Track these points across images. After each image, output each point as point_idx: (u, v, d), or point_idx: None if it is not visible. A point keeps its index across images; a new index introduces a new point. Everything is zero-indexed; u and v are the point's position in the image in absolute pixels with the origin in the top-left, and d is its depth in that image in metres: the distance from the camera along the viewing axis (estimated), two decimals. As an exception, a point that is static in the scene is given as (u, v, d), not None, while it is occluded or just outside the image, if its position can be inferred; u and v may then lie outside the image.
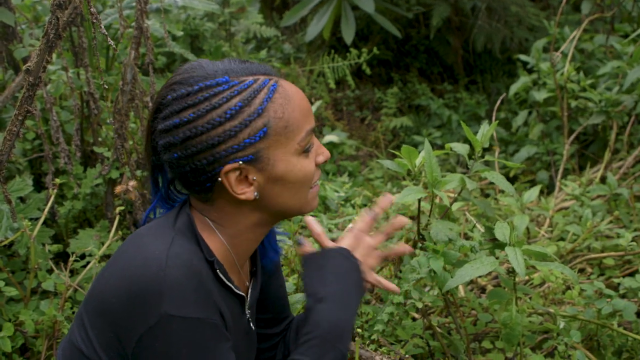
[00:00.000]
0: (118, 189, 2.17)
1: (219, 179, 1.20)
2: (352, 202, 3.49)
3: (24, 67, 1.47)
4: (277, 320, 1.62)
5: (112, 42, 1.50)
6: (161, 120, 1.22)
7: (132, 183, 2.13)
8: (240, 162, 1.19)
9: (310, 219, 1.53)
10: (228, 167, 1.19)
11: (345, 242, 1.49)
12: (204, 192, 1.25)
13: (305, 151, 1.26)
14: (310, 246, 1.48)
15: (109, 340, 1.17)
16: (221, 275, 1.23)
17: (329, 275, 1.37)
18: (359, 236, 1.51)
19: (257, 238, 1.34)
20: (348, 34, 5.07)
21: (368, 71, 5.14)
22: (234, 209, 1.26)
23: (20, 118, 1.51)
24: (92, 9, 1.44)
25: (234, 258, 1.31)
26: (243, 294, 1.33)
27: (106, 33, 1.47)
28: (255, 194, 1.23)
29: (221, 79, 1.19)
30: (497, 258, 1.83)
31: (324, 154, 1.32)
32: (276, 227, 1.55)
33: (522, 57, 4.32)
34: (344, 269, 1.40)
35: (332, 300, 1.32)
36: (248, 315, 1.39)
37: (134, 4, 2.64)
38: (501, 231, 1.83)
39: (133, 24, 2.38)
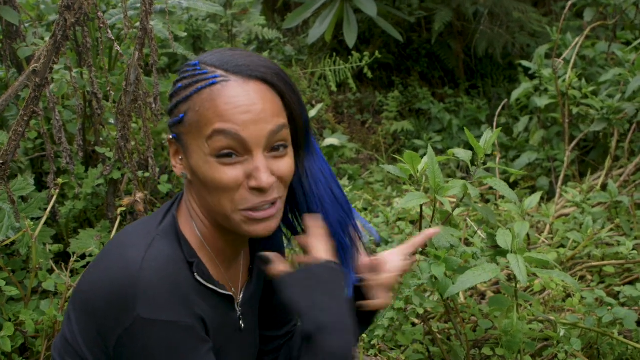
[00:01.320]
0: (125, 201, 2.16)
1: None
2: (353, 206, 3.49)
3: (30, 68, 1.47)
4: (280, 323, 1.61)
5: (118, 47, 1.50)
6: None
7: (140, 195, 2.12)
8: (170, 137, 1.27)
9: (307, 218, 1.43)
10: (168, 137, 1.28)
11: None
12: None
13: (220, 156, 1.18)
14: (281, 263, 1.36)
15: (92, 337, 1.19)
16: (199, 278, 1.23)
17: (322, 297, 1.28)
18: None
19: (227, 238, 1.31)
20: (350, 37, 5.07)
21: (370, 75, 5.14)
22: (187, 188, 1.30)
23: (25, 119, 1.51)
24: (99, 13, 1.44)
25: (212, 255, 1.31)
26: (229, 293, 1.32)
27: (113, 38, 1.47)
28: (183, 173, 1.26)
29: (192, 62, 1.25)
30: (498, 264, 1.83)
31: (256, 179, 1.19)
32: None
33: (524, 62, 4.33)
34: (335, 285, 1.31)
35: (334, 329, 1.25)
36: (239, 313, 1.38)
37: (138, 4, 2.65)
38: (503, 238, 1.84)
39: (137, 24, 2.38)
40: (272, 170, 1.22)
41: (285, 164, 1.25)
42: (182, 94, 1.23)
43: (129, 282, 1.13)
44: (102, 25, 1.53)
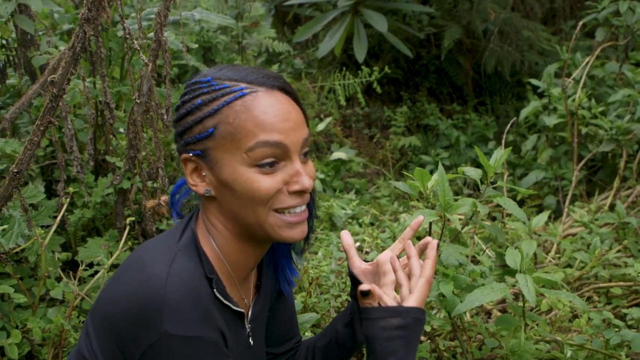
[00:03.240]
0: (150, 203, 2.17)
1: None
2: (360, 220, 3.49)
3: (45, 77, 1.49)
4: (283, 340, 1.61)
5: (144, 57, 1.51)
6: None
7: (164, 198, 2.13)
8: (191, 155, 1.26)
9: (343, 232, 1.48)
10: (184, 155, 1.27)
11: (413, 297, 1.32)
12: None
13: (259, 166, 1.21)
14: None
15: (112, 353, 1.20)
16: (218, 295, 1.24)
17: (404, 348, 1.27)
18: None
19: (248, 253, 1.33)
20: (360, 52, 5.09)
21: (378, 89, 5.16)
22: (207, 205, 1.30)
23: (42, 128, 1.52)
24: (125, 24, 1.46)
25: (229, 270, 1.32)
26: (242, 310, 1.33)
27: (139, 48, 1.49)
28: (206, 190, 1.26)
29: (204, 79, 1.26)
30: (505, 283, 1.83)
31: (299, 183, 1.24)
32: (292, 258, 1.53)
33: (533, 81, 4.34)
34: (417, 337, 1.30)
35: None
36: (248, 330, 1.39)
37: (152, 16, 2.67)
38: (512, 257, 1.83)
39: (150, 35, 2.39)
40: (306, 174, 1.27)
41: (312, 168, 1.31)
42: (205, 109, 1.23)
43: (154, 298, 1.13)
44: (127, 37, 1.54)
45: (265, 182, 1.22)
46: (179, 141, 1.29)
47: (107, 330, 1.20)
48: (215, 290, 1.24)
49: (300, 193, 1.25)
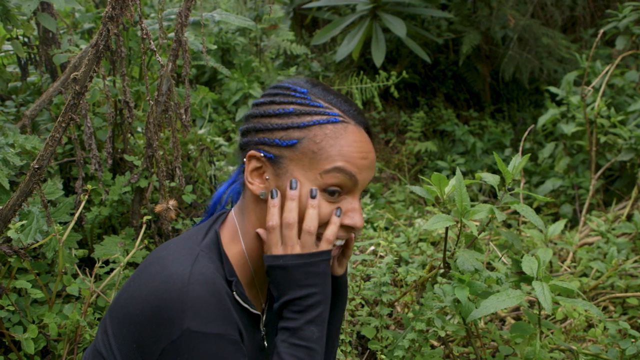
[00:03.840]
0: (158, 207, 2.18)
1: (245, 159, 1.29)
2: (375, 224, 3.49)
3: (71, 76, 1.50)
4: None
5: (159, 58, 1.52)
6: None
7: (173, 202, 2.14)
8: (262, 155, 1.27)
9: None
10: (252, 152, 1.28)
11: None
12: (241, 173, 1.34)
13: (327, 191, 1.25)
14: None
15: (130, 351, 1.20)
16: (237, 297, 1.26)
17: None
18: None
19: None
20: (378, 57, 5.09)
21: (396, 94, 5.16)
22: (252, 205, 1.31)
23: (63, 125, 1.53)
24: (142, 24, 1.47)
25: (252, 272, 1.33)
26: (259, 312, 1.34)
27: (155, 49, 1.50)
28: (262, 192, 1.28)
29: (300, 89, 1.29)
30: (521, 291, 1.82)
31: (352, 218, 1.27)
32: None
33: (552, 89, 4.32)
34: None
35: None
36: (263, 333, 1.40)
37: (172, 16, 2.68)
38: (528, 265, 1.82)
39: (170, 35, 2.41)
40: None
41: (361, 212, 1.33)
42: (295, 119, 1.26)
43: (177, 296, 1.14)
44: (145, 37, 1.56)
45: (326, 208, 1.26)
46: (250, 135, 1.30)
47: (126, 329, 1.21)
48: (234, 292, 1.25)
49: (349, 228, 1.29)
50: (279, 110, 1.27)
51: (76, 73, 1.47)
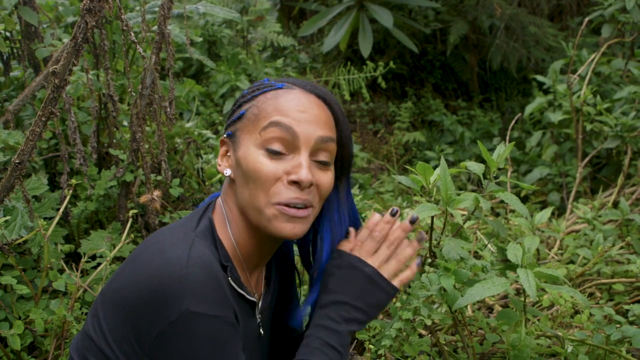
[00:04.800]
0: (143, 198, 2.17)
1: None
2: (363, 215, 3.49)
3: (50, 69, 1.49)
4: (287, 331, 1.62)
5: (141, 50, 1.52)
6: None
7: (157, 193, 2.14)
8: (224, 136, 1.36)
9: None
10: (223, 137, 1.37)
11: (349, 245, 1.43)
12: None
13: (267, 149, 1.26)
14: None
15: (124, 334, 1.21)
16: (232, 283, 1.27)
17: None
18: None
19: (259, 246, 1.36)
20: (365, 47, 5.08)
21: (383, 85, 5.15)
22: (228, 190, 1.36)
23: (43, 119, 1.53)
24: (122, 17, 1.46)
25: (241, 259, 1.35)
26: (254, 299, 1.35)
27: (136, 41, 1.49)
28: (227, 171, 1.33)
29: (266, 80, 1.37)
30: (507, 279, 1.82)
31: (297, 174, 1.26)
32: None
33: (539, 77, 4.32)
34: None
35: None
36: (259, 320, 1.41)
37: (156, 9, 2.66)
38: (513, 252, 1.83)
39: (154, 28, 2.39)
40: (313, 175, 1.29)
41: (327, 177, 1.32)
42: (246, 96, 1.34)
43: (176, 279, 1.15)
44: (125, 28, 1.55)
45: (268, 165, 1.26)
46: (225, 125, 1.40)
47: (120, 311, 1.21)
48: (230, 278, 1.27)
49: (297, 186, 1.26)
50: (239, 96, 1.38)
51: (55, 66, 1.46)
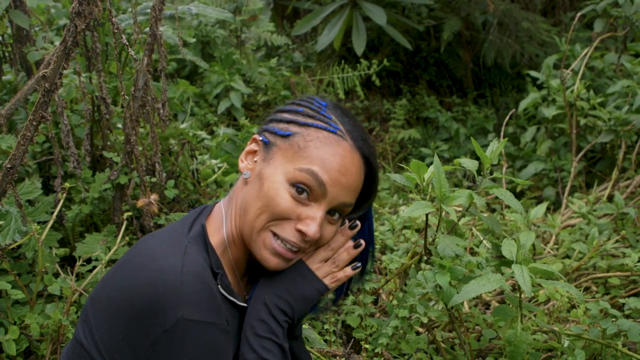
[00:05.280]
0: (140, 202, 2.17)
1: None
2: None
3: (40, 73, 1.48)
4: None
5: (132, 52, 1.51)
6: None
7: (154, 196, 2.14)
8: (260, 138, 1.35)
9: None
10: (255, 135, 1.37)
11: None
12: None
13: (294, 186, 1.27)
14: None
15: (116, 342, 1.20)
16: (222, 290, 1.28)
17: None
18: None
19: (245, 255, 1.38)
20: (359, 45, 5.08)
21: (378, 82, 5.15)
22: (239, 186, 1.37)
23: (34, 123, 1.52)
24: (113, 19, 1.46)
25: (232, 262, 1.36)
26: (245, 305, 1.36)
27: (127, 43, 1.49)
28: (247, 173, 1.34)
29: (323, 102, 1.37)
30: (502, 274, 1.83)
31: (308, 226, 1.28)
32: None
33: (532, 73, 4.33)
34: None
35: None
36: None
37: (148, 10, 2.66)
38: (508, 248, 1.83)
39: (146, 29, 2.39)
40: (320, 229, 1.31)
41: (331, 231, 1.36)
42: (299, 118, 1.32)
43: (171, 288, 1.16)
44: (116, 31, 1.55)
45: (287, 202, 1.28)
46: (265, 124, 1.39)
47: (112, 318, 1.21)
48: (220, 285, 1.27)
49: (302, 235, 1.29)
50: (293, 107, 1.36)
51: (45, 70, 1.45)
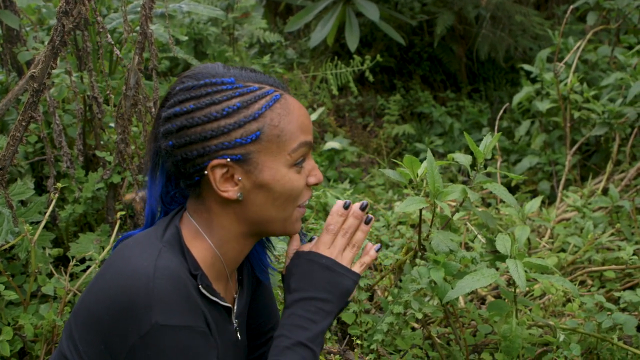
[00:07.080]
0: (127, 196, 2.16)
1: (206, 172, 1.23)
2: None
3: (28, 73, 1.47)
4: (265, 329, 1.61)
5: (117, 51, 1.50)
6: (166, 108, 1.28)
7: (141, 194, 2.13)
8: (228, 160, 1.22)
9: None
10: (215, 162, 1.22)
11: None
12: (193, 187, 1.28)
13: (296, 164, 1.27)
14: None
15: (99, 352, 1.19)
16: (204, 291, 1.24)
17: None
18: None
19: (243, 249, 1.35)
20: (352, 41, 5.07)
21: (371, 78, 5.14)
22: (221, 209, 1.28)
23: (24, 124, 1.51)
24: (98, 18, 1.45)
25: (224, 265, 1.32)
26: (229, 304, 1.33)
27: (112, 42, 1.48)
28: (239, 194, 1.25)
29: (227, 79, 1.24)
30: (497, 269, 1.83)
31: (316, 176, 1.32)
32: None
33: (526, 66, 4.32)
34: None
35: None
36: (235, 325, 1.40)
37: (138, 8, 2.65)
38: (502, 243, 1.83)
39: (137, 28, 2.38)
40: None
41: None
42: (246, 112, 1.22)
43: (143, 291, 1.14)
44: (101, 30, 1.54)
45: (299, 181, 1.29)
46: (194, 149, 1.22)
47: (92, 329, 1.19)
48: (200, 286, 1.24)
49: (316, 185, 1.33)
50: (225, 110, 1.21)
51: (33, 70, 1.44)
